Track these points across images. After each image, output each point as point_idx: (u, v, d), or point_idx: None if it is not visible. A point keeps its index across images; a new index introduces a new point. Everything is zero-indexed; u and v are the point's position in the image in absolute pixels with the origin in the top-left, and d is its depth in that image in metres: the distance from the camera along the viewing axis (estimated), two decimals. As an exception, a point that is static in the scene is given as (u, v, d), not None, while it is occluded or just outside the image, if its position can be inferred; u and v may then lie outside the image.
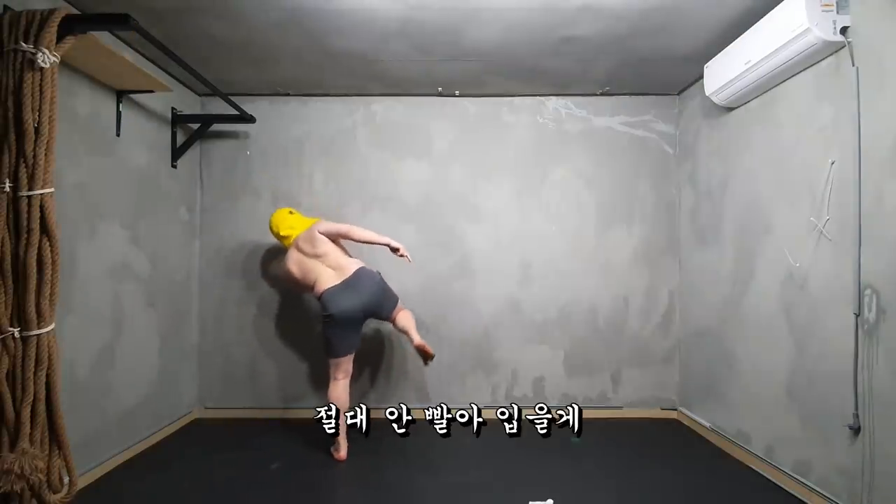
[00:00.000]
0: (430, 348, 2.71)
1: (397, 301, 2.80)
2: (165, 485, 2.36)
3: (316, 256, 2.66)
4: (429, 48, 2.67)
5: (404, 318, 2.80)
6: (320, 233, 2.68)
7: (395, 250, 2.71)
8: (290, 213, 2.88)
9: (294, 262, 2.69)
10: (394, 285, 2.77)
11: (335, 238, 2.73)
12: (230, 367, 3.36)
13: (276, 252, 3.34)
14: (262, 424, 3.19)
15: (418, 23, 2.40)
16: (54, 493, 1.65)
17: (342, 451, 2.64)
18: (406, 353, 3.36)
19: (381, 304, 2.69)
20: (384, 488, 2.34)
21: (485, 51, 2.70)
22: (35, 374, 1.60)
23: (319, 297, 2.59)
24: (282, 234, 2.80)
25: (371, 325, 3.34)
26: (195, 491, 2.31)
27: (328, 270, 2.63)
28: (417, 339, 2.72)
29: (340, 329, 2.58)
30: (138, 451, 2.72)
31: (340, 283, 2.59)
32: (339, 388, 2.64)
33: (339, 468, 2.56)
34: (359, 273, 2.64)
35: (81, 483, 2.22)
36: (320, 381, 3.35)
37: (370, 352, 3.33)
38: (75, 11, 2.09)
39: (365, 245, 2.86)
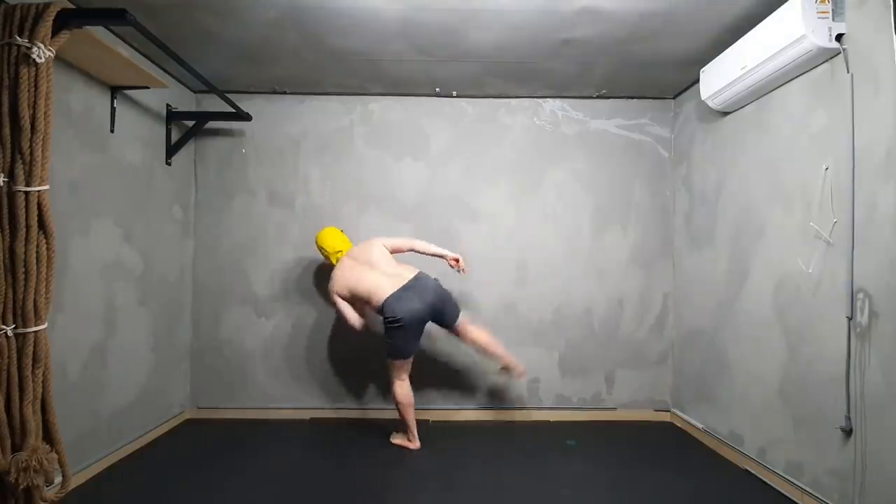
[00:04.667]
0: (518, 367, 2.98)
1: (459, 312, 2.87)
2: (157, 486, 2.34)
3: (370, 264, 2.73)
4: (428, 49, 2.67)
5: (482, 337, 2.91)
6: (383, 244, 2.82)
7: (455, 261, 2.86)
8: (341, 231, 3.01)
9: (340, 281, 2.74)
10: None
11: (393, 250, 2.84)
12: (223, 367, 3.33)
13: (272, 252, 3.33)
14: (255, 424, 3.17)
15: (418, 23, 2.40)
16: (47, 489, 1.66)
17: (417, 441, 2.82)
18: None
19: (444, 307, 2.77)
20: (380, 487, 2.33)
21: (484, 52, 2.70)
22: (33, 371, 1.59)
23: (381, 307, 2.65)
24: (338, 248, 2.89)
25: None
26: (187, 492, 2.28)
27: (383, 278, 2.69)
28: (506, 357, 2.96)
29: (407, 332, 2.65)
30: (130, 452, 2.68)
31: (400, 288, 2.66)
32: (406, 388, 2.77)
33: (333, 468, 2.55)
34: (419, 276, 2.75)
35: (72, 483, 2.19)
36: (313, 381, 3.34)
37: (367, 352, 3.32)
38: (70, 6, 2.07)
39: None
